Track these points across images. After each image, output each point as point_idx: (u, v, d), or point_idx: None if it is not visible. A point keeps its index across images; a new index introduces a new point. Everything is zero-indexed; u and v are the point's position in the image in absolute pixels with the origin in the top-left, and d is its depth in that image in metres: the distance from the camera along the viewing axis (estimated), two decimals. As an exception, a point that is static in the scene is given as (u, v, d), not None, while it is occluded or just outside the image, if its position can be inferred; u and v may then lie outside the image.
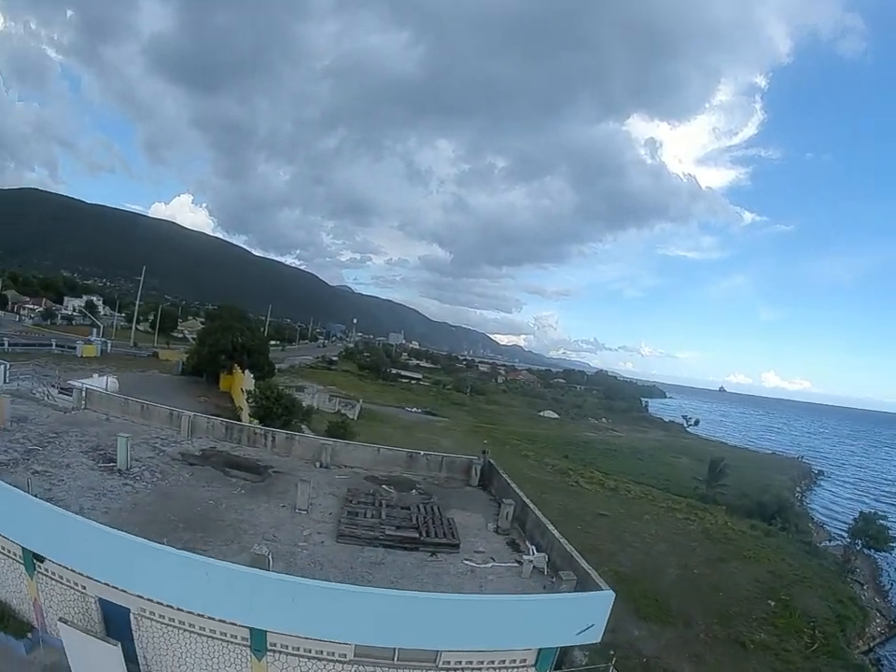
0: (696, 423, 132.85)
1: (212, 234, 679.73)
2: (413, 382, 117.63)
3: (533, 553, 13.72)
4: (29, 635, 11.33)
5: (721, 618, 21.51)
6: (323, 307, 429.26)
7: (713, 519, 36.84)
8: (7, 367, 25.00)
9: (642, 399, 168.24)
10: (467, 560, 13.95)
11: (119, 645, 10.12)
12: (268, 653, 10.03)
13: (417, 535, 14.50)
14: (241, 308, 65.97)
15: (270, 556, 10.15)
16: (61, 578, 11.05)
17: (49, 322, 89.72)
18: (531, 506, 16.29)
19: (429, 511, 16.60)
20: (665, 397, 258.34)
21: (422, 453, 22.33)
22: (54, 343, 57.73)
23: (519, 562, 13.68)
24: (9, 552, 11.57)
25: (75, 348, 56.42)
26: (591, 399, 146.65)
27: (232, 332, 51.00)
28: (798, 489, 63.73)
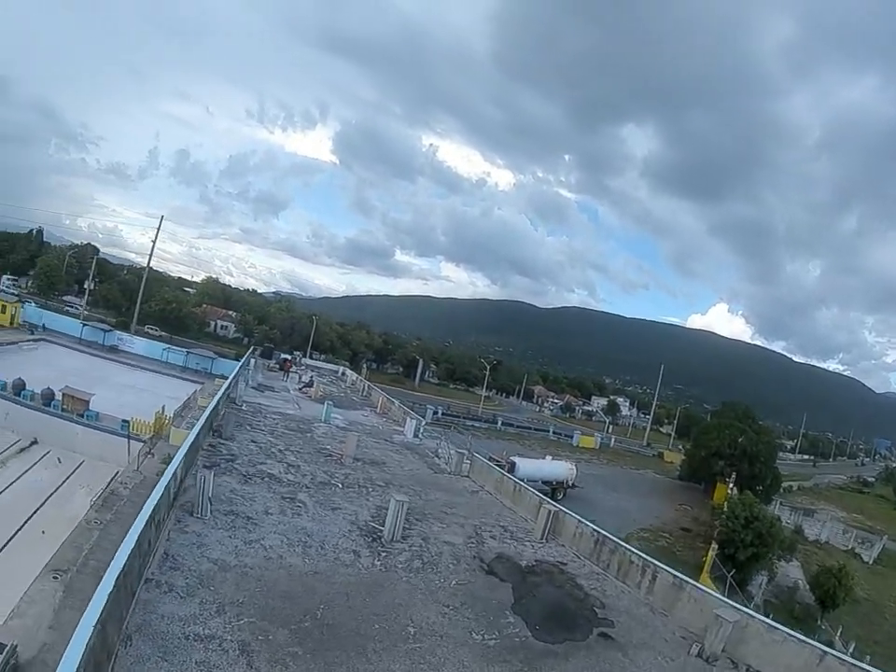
0: None
1: (750, 342, 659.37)
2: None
3: None
4: None
5: None
6: (867, 418, 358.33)
7: None
8: (422, 423, 27.98)
9: None
10: None
11: None
12: None
13: None
14: (747, 406, 58.52)
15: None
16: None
17: (566, 415, 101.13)
18: None
19: None
20: None
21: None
22: (551, 430, 63.89)
23: None
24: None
25: (571, 437, 61.07)
26: None
27: (732, 432, 44.02)
28: None
